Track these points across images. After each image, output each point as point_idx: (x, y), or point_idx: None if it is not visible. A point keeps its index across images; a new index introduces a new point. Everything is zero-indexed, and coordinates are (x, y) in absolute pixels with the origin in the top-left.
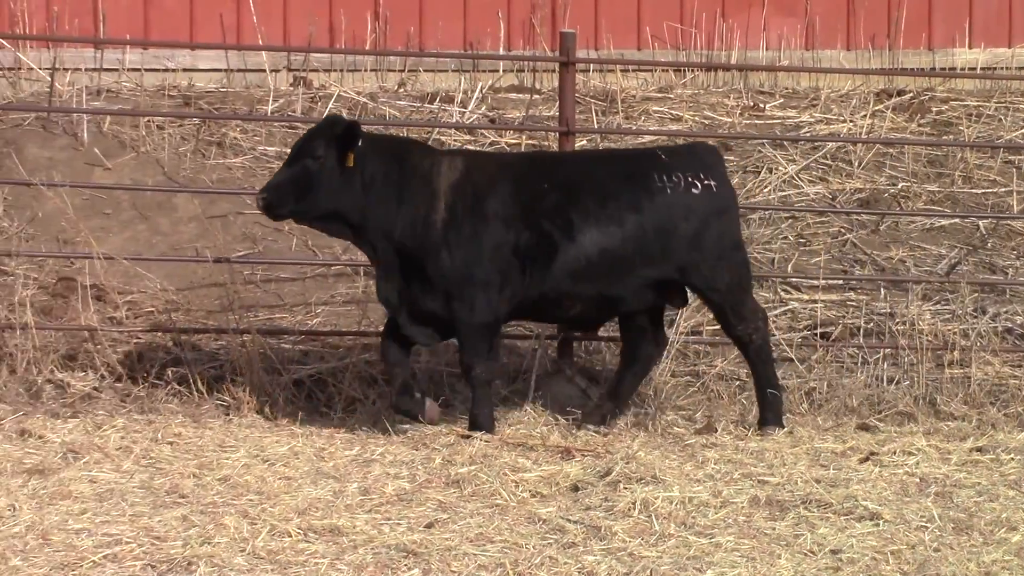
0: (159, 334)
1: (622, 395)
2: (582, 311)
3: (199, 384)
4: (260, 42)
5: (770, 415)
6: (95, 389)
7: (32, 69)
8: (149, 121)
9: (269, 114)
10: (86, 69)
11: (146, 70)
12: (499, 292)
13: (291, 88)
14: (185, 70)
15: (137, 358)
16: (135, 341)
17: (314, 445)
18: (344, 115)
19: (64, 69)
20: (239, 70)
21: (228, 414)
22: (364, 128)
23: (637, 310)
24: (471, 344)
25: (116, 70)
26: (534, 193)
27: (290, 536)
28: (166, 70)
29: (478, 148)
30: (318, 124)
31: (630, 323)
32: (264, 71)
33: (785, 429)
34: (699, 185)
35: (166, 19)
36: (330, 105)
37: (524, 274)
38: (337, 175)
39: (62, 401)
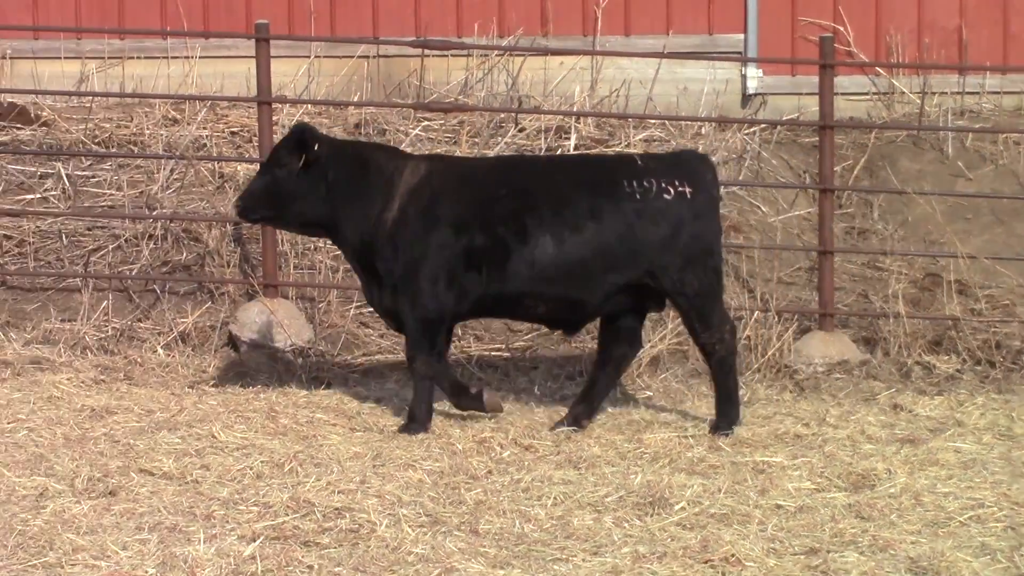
0: (1015, 324)
1: (595, 397)
2: (548, 311)
3: None
4: None
5: (722, 422)
6: (957, 371)
7: (903, 93)
8: (1007, 138)
9: None
10: (951, 92)
11: (1004, 92)
12: (446, 290)
13: None
14: None
15: (995, 345)
16: (993, 330)
17: None
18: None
19: (932, 93)
20: None
21: None
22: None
23: (617, 312)
24: (413, 337)
25: (977, 93)
26: (491, 198)
27: None
28: (1021, 92)
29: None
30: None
31: (607, 324)
32: None
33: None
34: (672, 191)
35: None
36: None
37: (480, 274)
38: (301, 181)
39: (928, 380)
